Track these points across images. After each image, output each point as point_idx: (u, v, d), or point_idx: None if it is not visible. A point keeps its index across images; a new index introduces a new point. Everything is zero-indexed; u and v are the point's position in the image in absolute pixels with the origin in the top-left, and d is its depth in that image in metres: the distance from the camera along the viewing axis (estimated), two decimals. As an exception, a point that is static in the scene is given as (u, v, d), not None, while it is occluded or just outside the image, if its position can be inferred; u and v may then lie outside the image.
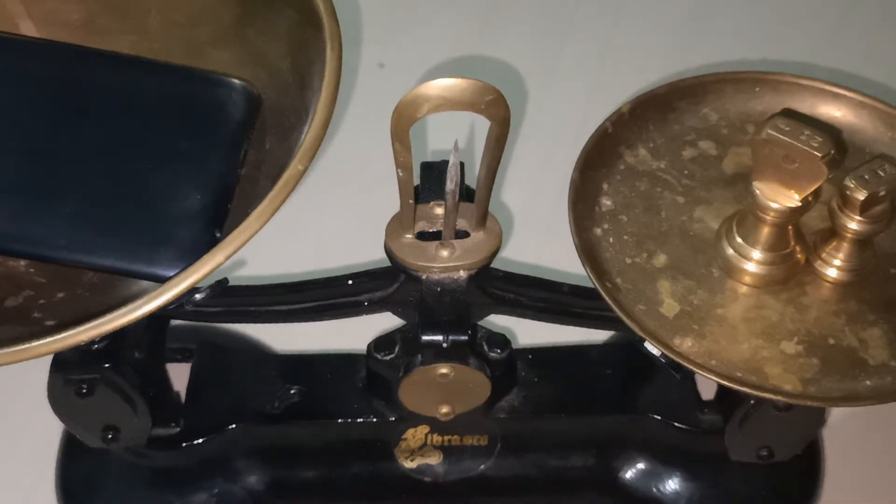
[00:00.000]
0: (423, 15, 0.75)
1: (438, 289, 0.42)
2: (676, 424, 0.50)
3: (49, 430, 0.52)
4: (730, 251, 0.41)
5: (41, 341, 0.33)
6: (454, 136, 0.39)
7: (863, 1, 0.75)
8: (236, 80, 0.40)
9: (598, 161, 0.44)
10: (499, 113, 0.37)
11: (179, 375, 0.50)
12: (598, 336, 0.52)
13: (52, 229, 0.37)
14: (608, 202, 0.44)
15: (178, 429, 0.47)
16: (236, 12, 0.41)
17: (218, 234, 0.37)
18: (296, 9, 0.38)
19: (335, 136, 0.66)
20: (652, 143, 0.45)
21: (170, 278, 0.34)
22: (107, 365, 0.40)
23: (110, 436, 0.45)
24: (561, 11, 0.75)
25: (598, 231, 0.43)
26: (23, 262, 0.40)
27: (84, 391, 0.42)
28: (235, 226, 0.36)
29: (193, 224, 0.37)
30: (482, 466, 0.51)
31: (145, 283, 0.37)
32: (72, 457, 0.51)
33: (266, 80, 0.40)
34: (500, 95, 0.36)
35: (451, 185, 0.39)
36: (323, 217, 0.63)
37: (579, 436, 0.52)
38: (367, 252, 0.47)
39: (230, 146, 0.39)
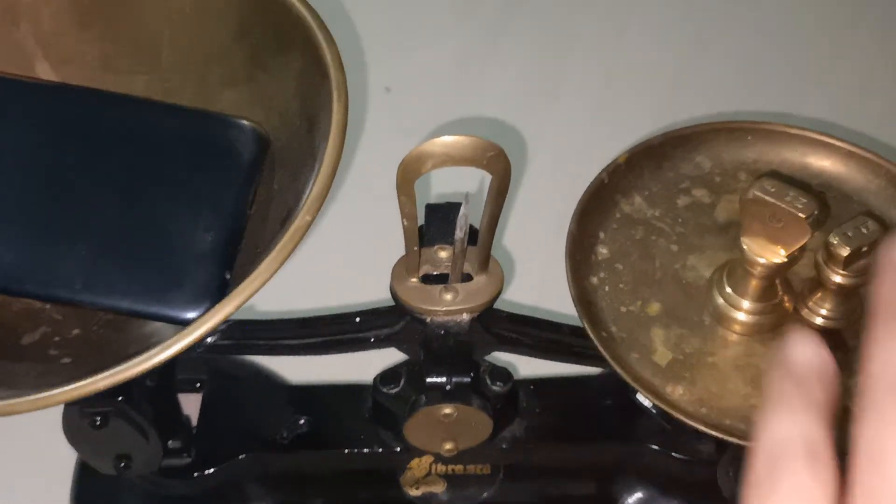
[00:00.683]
0: (427, 39, 0.75)
1: (442, 331, 0.42)
2: (674, 454, 0.50)
3: (63, 456, 0.52)
4: (720, 300, 0.42)
5: (63, 389, 0.33)
6: (460, 175, 0.40)
7: (857, 57, 0.76)
8: (246, 122, 0.40)
9: (594, 211, 0.45)
10: (500, 167, 0.37)
11: (191, 405, 0.51)
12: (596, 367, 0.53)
13: (69, 271, 0.38)
14: (604, 251, 0.45)
15: (190, 459, 0.48)
16: (247, 54, 0.41)
17: (228, 276, 0.38)
18: (304, 55, 0.39)
19: (345, 163, 0.67)
20: (647, 191, 0.46)
21: (185, 323, 0.35)
22: (120, 398, 0.40)
23: (123, 464, 0.45)
24: (562, 37, 0.76)
25: (595, 280, 0.44)
26: (39, 299, 0.40)
27: (98, 423, 0.42)
28: (244, 266, 0.37)
29: (205, 266, 0.37)
30: (485, 494, 0.52)
31: (158, 323, 0.38)
32: (86, 482, 0.51)
33: (276, 122, 0.41)
34: (501, 151, 0.37)
35: (460, 233, 0.40)
36: (330, 247, 0.62)
37: (580, 464, 0.52)
38: (375, 289, 0.47)
39: (240, 187, 0.39)
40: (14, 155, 0.39)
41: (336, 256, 0.63)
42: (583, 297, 0.42)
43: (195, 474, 0.48)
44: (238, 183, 0.40)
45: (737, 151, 0.47)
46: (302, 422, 0.50)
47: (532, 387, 0.51)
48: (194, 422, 0.50)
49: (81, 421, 0.43)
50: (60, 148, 0.40)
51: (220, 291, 0.37)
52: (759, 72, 0.75)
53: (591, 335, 0.41)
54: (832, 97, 0.72)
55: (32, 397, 0.33)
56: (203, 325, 0.33)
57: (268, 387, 0.54)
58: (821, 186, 0.46)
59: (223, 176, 0.39)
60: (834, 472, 0.22)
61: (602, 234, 0.45)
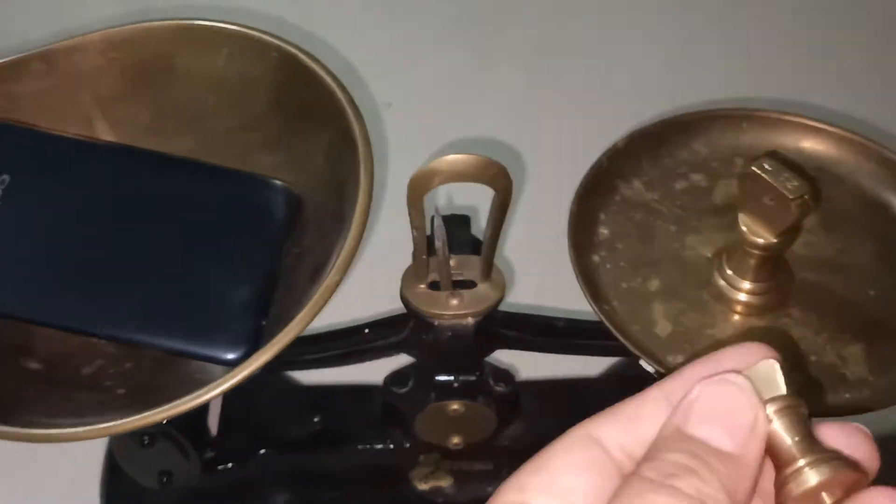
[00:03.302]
0: (426, 56, 0.78)
1: (449, 333, 0.45)
2: None
3: (92, 454, 0.56)
4: (722, 282, 0.44)
5: (130, 419, 0.37)
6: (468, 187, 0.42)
7: (848, 44, 0.78)
8: (280, 183, 0.45)
9: (594, 193, 0.47)
10: (502, 184, 0.41)
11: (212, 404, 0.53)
12: (595, 370, 0.56)
13: (126, 314, 0.42)
14: (605, 231, 0.46)
15: (213, 454, 0.51)
16: (283, 123, 0.45)
17: (264, 323, 0.42)
18: (335, 128, 0.42)
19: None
20: (646, 175, 0.48)
21: (225, 363, 0.40)
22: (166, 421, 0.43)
23: (165, 479, 0.49)
24: (556, 50, 0.79)
25: (596, 258, 0.45)
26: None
27: (146, 442, 0.47)
28: (277, 313, 0.41)
29: (245, 313, 0.42)
30: (490, 489, 0.51)
31: (200, 362, 0.43)
32: (114, 477, 0.55)
33: (307, 184, 0.44)
34: (503, 169, 0.40)
35: (438, 243, 0.43)
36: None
37: None
38: (380, 300, 0.50)
39: (275, 243, 0.44)
40: (79, 210, 0.44)
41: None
42: (585, 273, 0.44)
43: (219, 468, 0.52)
44: (273, 239, 0.44)
45: (732, 138, 0.49)
46: (316, 420, 0.53)
47: (533, 389, 0.53)
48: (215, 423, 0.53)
49: (130, 441, 0.47)
50: (118, 204, 0.44)
51: (256, 336, 0.42)
52: (750, 85, 0.76)
53: (594, 307, 0.43)
54: (833, 86, 0.74)
55: (101, 426, 0.37)
56: (247, 368, 0.37)
57: (284, 388, 0.57)
58: (815, 170, 0.48)
59: (260, 232, 0.44)
60: None
61: (602, 216, 0.47)
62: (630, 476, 0.25)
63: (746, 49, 0.78)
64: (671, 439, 0.25)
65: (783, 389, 0.25)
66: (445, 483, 0.54)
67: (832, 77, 0.75)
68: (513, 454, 0.53)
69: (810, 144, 0.48)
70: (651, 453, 0.25)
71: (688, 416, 0.25)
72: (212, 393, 0.37)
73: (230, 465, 0.52)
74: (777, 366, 0.25)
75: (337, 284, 0.38)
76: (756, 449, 0.24)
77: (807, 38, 0.79)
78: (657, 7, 0.81)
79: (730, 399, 0.25)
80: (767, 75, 0.76)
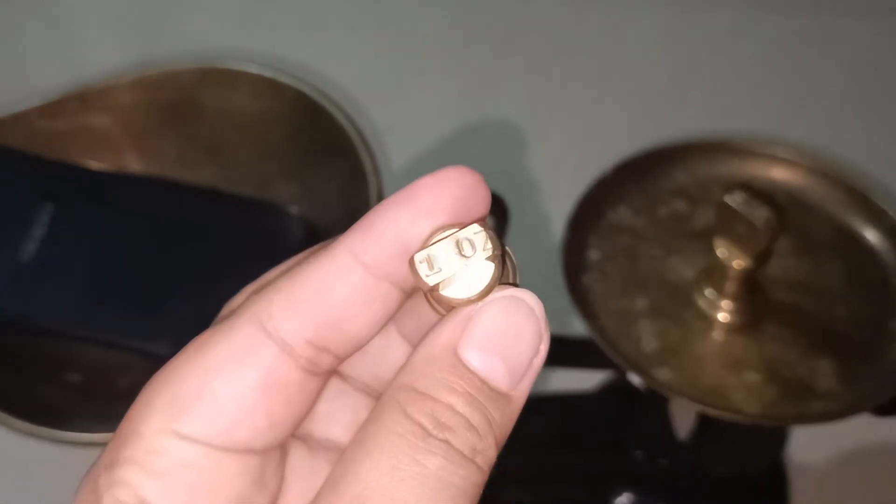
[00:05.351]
0: (424, 82, 0.80)
1: None
2: (658, 460, 0.55)
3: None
4: (702, 302, 0.47)
5: None
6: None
7: (823, 85, 0.80)
8: (294, 211, 0.48)
9: (584, 219, 0.50)
10: (498, 210, 0.45)
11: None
12: (586, 384, 0.58)
13: (159, 331, 0.45)
14: (595, 254, 0.49)
15: None
16: (299, 155, 0.49)
17: None
18: (346, 160, 0.46)
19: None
20: (631, 201, 0.51)
21: None
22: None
23: None
24: (552, 78, 0.81)
25: (587, 280, 0.48)
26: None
27: None
28: None
29: None
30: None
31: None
32: None
33: (319, 212, 0.48)
34: (500, 198, 0.44)
35: None
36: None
37: (573, 469, 0.56)
38: None
39: None
40: (114, 236, 0.48)
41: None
42: (577, 293, 0.47)
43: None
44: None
45: (710, 167, 0.52)
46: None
47: (529, 401, 0.54)
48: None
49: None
50: (148, 230, 0.48)
51: None
52: (744, 95, 0.78)
53: (587, 326, 0.46)
54: (808, 123, 0.75)
55: None
56: None
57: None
58: (786, 198, 0.51)
59: (276, 256, 0.46)
60: None
61: (592, 240, 0.50)
62: (394, 412, 0.20)
63: (737, 84, 0.80)
64: (444, 365, 0.21)
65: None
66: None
67: (814, 113, 0.77)
68: (509, 462, 0.54)
69: (781, 174, 0.51)
70: (419, 379, 0.21)
71: (466, 334, 0.21)
72: None
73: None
74: (480, 230, 0.21)
75: None
76: (527, 390, 0.22)
77: (789, 79, 0.80)
78: (650, 40, 0.82)
79: (517, 323, 0.21)
80: (753, 108, 0.78)
